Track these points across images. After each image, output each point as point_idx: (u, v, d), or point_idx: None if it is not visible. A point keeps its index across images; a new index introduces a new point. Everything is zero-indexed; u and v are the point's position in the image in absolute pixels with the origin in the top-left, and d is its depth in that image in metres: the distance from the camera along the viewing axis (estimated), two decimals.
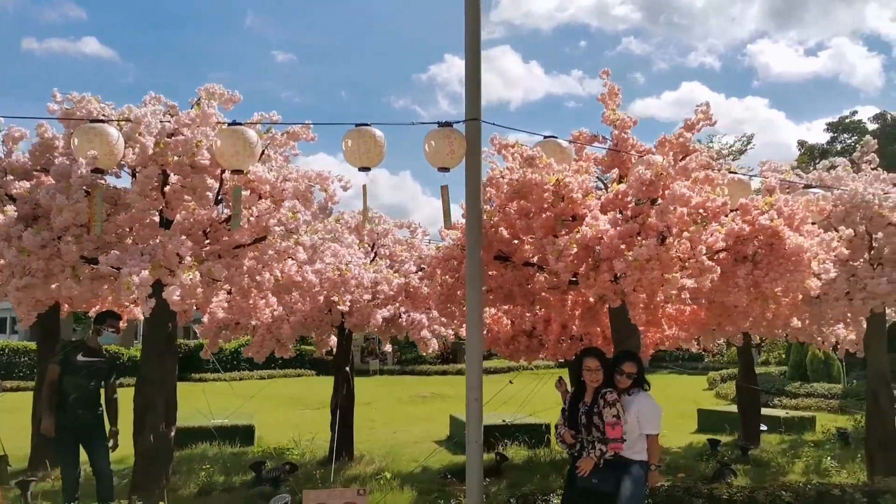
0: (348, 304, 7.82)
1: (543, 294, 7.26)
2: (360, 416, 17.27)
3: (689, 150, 7.52)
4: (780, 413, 14.40)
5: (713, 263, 5.58)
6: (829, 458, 9.49)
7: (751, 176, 9.21)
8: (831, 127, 49.02)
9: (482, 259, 6.76)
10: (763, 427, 12.49)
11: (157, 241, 5.80)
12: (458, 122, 6.15)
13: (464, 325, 8.88)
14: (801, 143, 49.22)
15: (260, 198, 5.83)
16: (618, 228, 5.71)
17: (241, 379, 29.59)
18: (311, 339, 10.55)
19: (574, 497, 5.38)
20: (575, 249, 5.69)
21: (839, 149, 48.98)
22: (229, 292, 7.81)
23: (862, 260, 7.75)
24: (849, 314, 7.77)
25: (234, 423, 11.55)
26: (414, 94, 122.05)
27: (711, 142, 56.87)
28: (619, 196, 6.10)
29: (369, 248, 9.61)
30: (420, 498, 8.13)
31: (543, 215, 6.12)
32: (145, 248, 5.72)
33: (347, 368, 10.15)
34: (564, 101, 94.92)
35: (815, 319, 8.51)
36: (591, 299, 7.25)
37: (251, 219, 5.88)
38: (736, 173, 7.01)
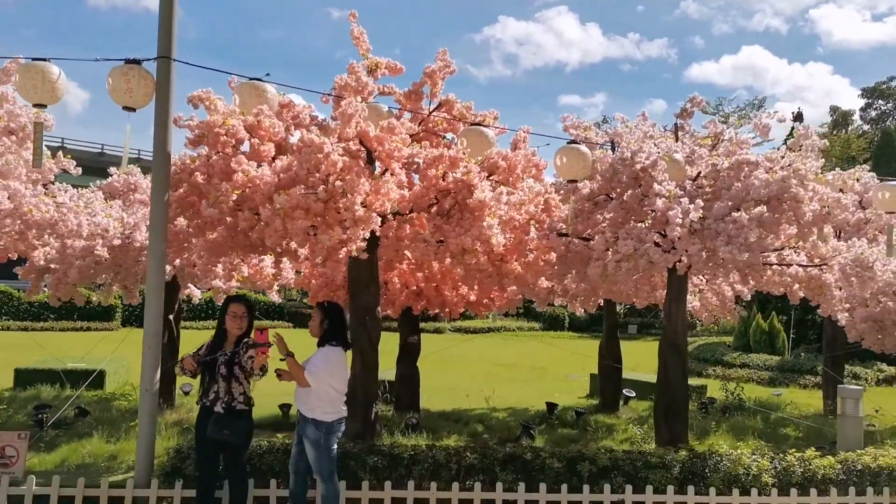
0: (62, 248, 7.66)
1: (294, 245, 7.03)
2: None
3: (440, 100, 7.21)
4: None
5: (372, 215, 5.32)
6: (632, 426, 9.22)
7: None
8: (866, 93, 47.46)
9: (203, 206, 6.58)
10: (631, 393, 12.25)
11: None
12: (147, 59, 5.91)
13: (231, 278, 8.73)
14: (834, 109, 47.93)
15: None
16: (280, 177, 5.46)
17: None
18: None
19: (207, 450, 5.24)
20: (235, 196, 5.47)
21: (873, 115, 47.35)
22: None
23: (637, 222, 7.38)
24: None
25: (86, 368, 11.63)
26: (467, 54, 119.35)
27: (720, 103, 55.41)
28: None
29: None
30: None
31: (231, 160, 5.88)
32: None
33: (171, 317, 10.09)
34: (621, 64, 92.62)
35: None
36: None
37: None
38: (482, 125, 6.65)
